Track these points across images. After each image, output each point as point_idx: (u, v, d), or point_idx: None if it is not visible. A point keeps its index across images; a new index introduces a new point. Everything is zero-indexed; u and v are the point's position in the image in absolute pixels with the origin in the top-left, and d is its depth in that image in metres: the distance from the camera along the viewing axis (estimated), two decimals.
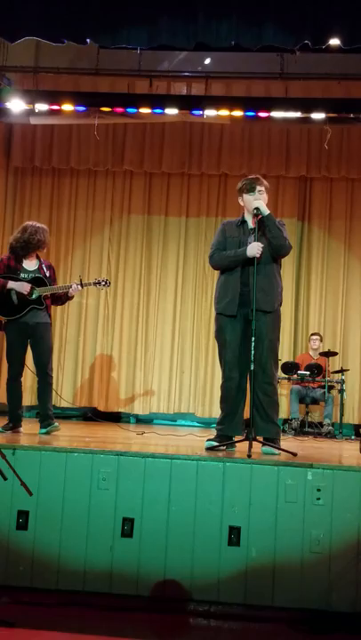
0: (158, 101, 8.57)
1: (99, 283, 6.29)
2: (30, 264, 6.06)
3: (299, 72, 8.81)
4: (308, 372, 9.11)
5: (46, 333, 6.00)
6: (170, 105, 8.50)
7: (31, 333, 5.96)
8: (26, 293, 5.86)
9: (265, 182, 5.26)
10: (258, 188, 5.17)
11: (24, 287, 5.87)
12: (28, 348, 6.05)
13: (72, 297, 6.15)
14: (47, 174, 10.10)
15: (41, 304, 5.91)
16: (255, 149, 9.66)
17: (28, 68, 9.02)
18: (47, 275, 6.03)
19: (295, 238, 9.46)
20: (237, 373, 5.09)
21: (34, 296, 5.90)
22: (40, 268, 6.03)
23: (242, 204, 5.26)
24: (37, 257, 6.12)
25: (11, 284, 5.88)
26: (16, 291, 5.88)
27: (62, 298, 6.11)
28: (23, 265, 6.03)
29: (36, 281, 5.95)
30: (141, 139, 9.74)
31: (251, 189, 5.17)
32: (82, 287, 6.04)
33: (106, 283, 6.31)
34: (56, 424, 5.93)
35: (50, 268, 6.13)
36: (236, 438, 5.09)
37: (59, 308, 6.38)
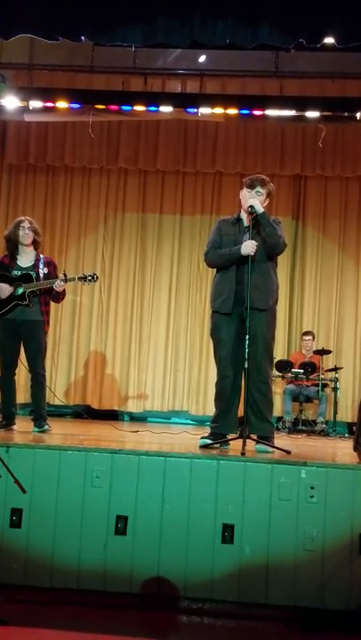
0: (153, 99, 8.57)
1: (84, 278, 6.12)
2: (25, 260, 6.04)
3: (294, 70, 8.83)
4: (301, 371, 9.13)
5: (36, 331, 5.95)
6: (165, 103, 8.50)
7: (21, 331, 5.94)
8: (4, 297, 5.86)
9: (269, 185, 5.22)
10: (258, 188, 5.14)
11: (4, 292, 5.88)
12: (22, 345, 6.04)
13: (63, 293, 6.06)
14: (41, 172, 10.08)
15: (24, 299, 5.88)
16: (250, 147, 9.64)
17: (23, 65, 8.99)
18: (45, 271, 5.99)
19: (289, 237, 9.44)
20: (232, 371, 5.09)
21: (18, 292, 5.89)
22: (35, 265, 6.01)
23: (240, 197, 5.25)
24: (36, 253, 6.09)
25: None
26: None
27: (53, 294, 6.02)
28: (17, 262, 6.03)
29: (25, 277, 5.93)
30: (136, 136, 9.72)
31: (251, 186, 5.16)
32: (66, 282, 5.93)
33: (93, 277, 6.11)
34: (46, 427, 5.90)
35: (49, 264, 6.09)
36: (230, 436, 5.09)
37: (53, 306, 6.34)
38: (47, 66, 9.03)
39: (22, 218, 6.16)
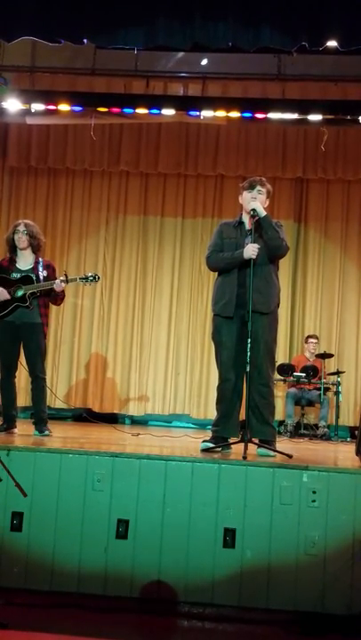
0: (155, 102, 8.56)
1: (86, 278, 6.09)
2: (24, 263, 6.02)
3: (296, 73, 8.82)
4: (303, 374, 9.11)
5: (36, 334, 5.92)
6: (166, 105, 8.48)
7: (20, 333, 5.92)
8: (3, 300, 5.85)
9: (268, 185, 5.23)
10: (258, 187, 5.15)
11: (1, 296, 5.86)
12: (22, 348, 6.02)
13: (62, 295, 6.03)
14: (43, 174, 10.08)
15: (25, 301, 5.86)
16: (252, 150, 9.65)
17: (25, 68, 9.00)
18: (45, 274, 5.97)
19: (291, 240, 9.43)
20: (233, 375, 5.08)
21: (18, 294, 5.87)
22: (34, 268, 5.99)
23: (241, 202, 5.24)
24: (35, 256, 6.07)
25: None
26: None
27: (52, 295, 5.99)
28: (16, 264, 6.02)
29: (25, 279, 5.92)
30: (138, 139, 9.72)
31: (250, 187, 5.16)
32: (67, 283, 5.91)
33: (94, 278, 6.08)
34: (47, 432, 5.87)
35: (48, 267, 6.05)
36: (231, 440, 5.08)
37: (54, 308, 6.32)
38: (49, 68, 9.03)
39: (19, 221, 6.14)
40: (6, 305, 5.88)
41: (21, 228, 6.02)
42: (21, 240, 6.00)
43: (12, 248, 6.05)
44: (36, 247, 6.06)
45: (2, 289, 5.88)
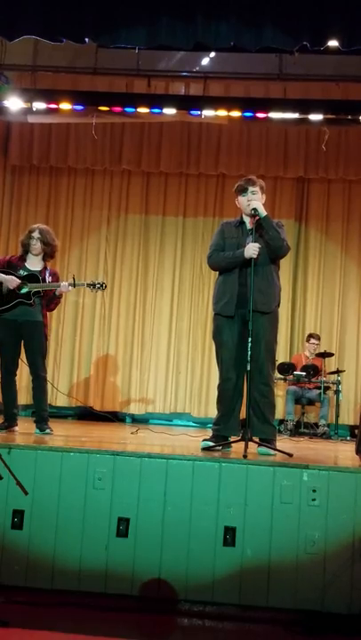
0: (156, 101, 8.55)
1: (93, 285, 6.12)
2: (33, 265, 6.03)
3: (297, 73, 8.82)
4: (304, 373, 9.11)
5: (38, 332, 5.93)
6: (168, 105, 8.47)
7: (22, 331, 5.93)
8: (12, 288, 5.85)
9: (259, 182, 5.25)
10: (250, 189, 5.17)
11: (12, 282, 5.86)
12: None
13: (58, 299, 6.05)
14: (45, 173, 10.08)
15: (29, 299, 5.87)
16: (253, 150, 9.65)
17: (27, 67, 9.00)
18: (49, 280, 5.97)
19: (292, 239, 9.44)
20: (234, 374, 5.09)
21: (23, 291, 5.88)
22: (42, 271, 6.00)
23: (238, 206, 5.26)
24: (45, 263, 6.08)
25: (0, 277, 5.89)
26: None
27: (51, 297, 5.99)
28: (25, 264, 6.03)
29: (30, 278, 5.93)
30: (139, 138, 9.72)
31: (243, 191, 5.18)
32: (74, 287, 5.94)
33: (101, 286, 6.12)
34: (48, 430, 5.89)
35: (53, 275, 6.05)
36: (232, 439, 5.09)
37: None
38: (51, 67, 9.03)
39: (34, 227, 6.14)
40: (9, 300, 5.89)
41: (36, 234, 6.02)
42: (35, 248, 6.01)
43: (25, 251, 6.06)
44: (48, 254, 6.09)
45: (12, 277, 5.88)
